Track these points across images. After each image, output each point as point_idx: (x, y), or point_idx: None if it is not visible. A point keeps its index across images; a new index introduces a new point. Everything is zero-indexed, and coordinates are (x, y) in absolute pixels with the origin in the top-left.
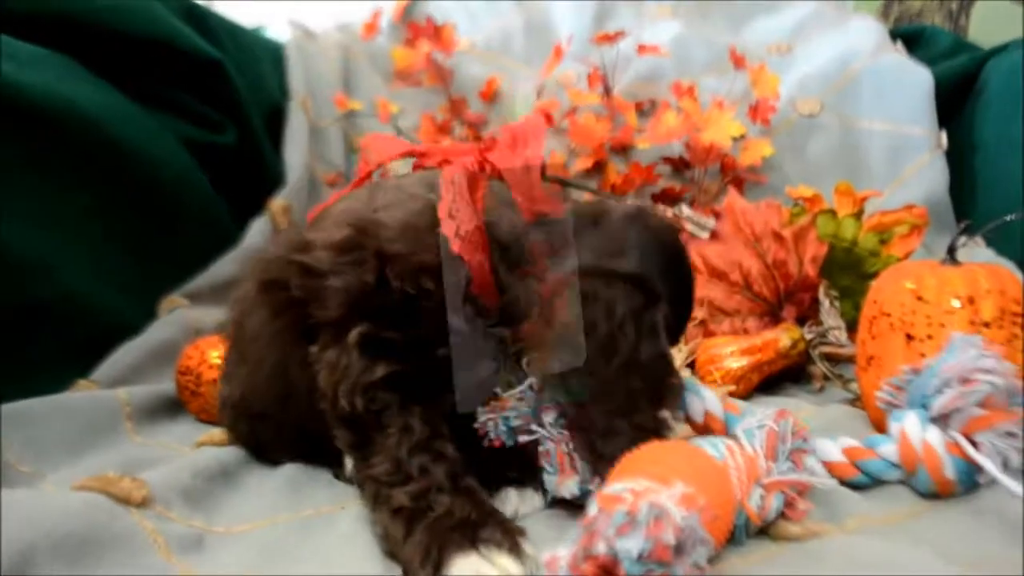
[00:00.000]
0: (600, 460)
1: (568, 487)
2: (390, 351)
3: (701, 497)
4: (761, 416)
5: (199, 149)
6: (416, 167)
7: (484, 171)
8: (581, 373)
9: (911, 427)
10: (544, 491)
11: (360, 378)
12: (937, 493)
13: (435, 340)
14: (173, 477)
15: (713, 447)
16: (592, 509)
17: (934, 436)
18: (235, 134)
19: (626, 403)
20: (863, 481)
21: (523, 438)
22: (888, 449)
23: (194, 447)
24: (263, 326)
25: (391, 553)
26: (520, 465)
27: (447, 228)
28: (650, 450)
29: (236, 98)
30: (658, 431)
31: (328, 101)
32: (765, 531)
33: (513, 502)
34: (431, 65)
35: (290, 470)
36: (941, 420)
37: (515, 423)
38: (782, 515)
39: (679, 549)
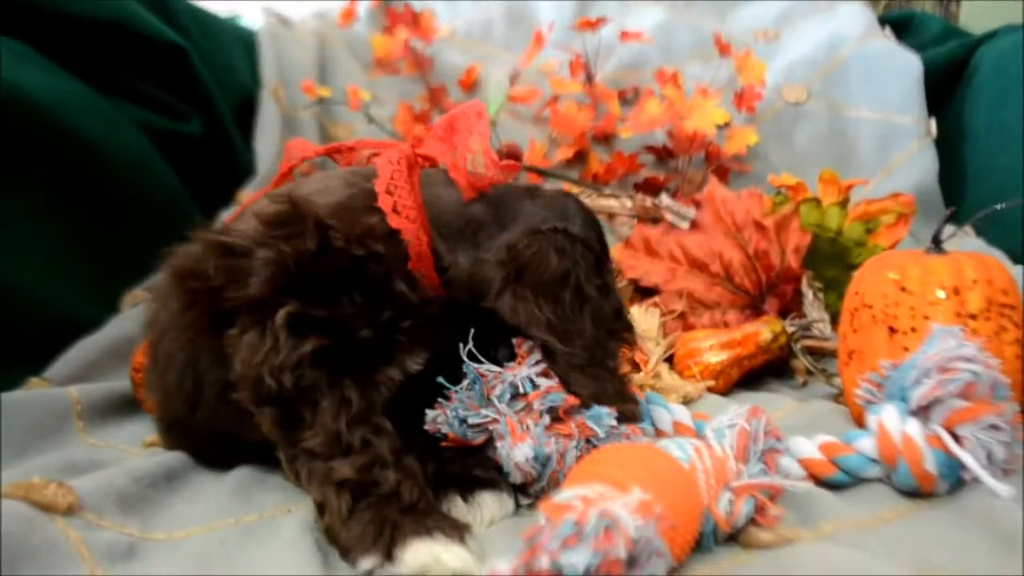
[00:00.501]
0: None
1: (522, 450)
2: (318, 328)
3: (658, 504)
4: (732, 414)
5: (162, 138)
6: (345, 163)
7: (418, 161)
8: (561, 322)
9: (889, 419)
10: (516, 493)
11: (288, 356)
12: (919, 490)
13: (371, 314)
14: (110, 481)
15: (680, 448)
16: (539, 519)
17: (914, 428)
18: (201, 123)
19: (597, 352)
20: (841, 479)
21: (473, 419)
22: (866, 443)
23: (142, 448)
24: (173, 319)
25: (328, 530)
26: (485, 463)
27: (384, 203)
28: (608, 452)
29: (201, 86)
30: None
31: (302, 91)
32: (735, 537)
33: (489, 507)
34: (410, 53)
35: (242, 472)
36: (921, 413)
37: (464, 413)
38: (752, 520)
39: (632, 562)
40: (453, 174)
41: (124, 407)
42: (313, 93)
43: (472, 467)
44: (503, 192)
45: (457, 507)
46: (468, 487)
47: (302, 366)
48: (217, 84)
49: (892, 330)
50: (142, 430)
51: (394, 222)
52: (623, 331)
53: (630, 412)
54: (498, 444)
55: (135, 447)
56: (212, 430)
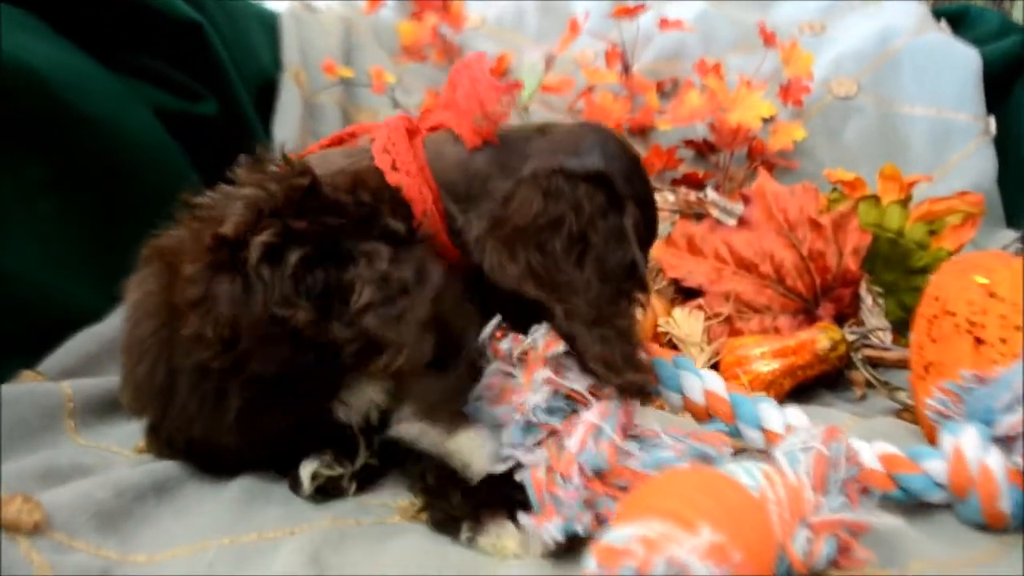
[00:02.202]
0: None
1: (548, 531)
2: (300, 240)
3: (736, 550)
4: (806, 435)
5: (174, 120)
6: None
7: (420, 129)
8: (551, 274)
9: (968, 444)
10: None
11: (277, 290)
12: (984, 526)
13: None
14: (88, 494)
15: (748, 474)
16: (590, 565)
17: (995, 460)
18: (216, 105)
19: (605, 309)
20: (898, 497)
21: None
22: (935, 465)
23: (134, 453)
24: (146, 301)
25: None
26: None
27: (382, 161)
28: (667, 480)
29: (218, 65)
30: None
31: (324, 74)
32: None
33: (514, 539)
34: (438, 40)
35: (245, 482)
36: (1006, 442)
37: None
38: (833, 563)
39: None
40: (455, 126)
41: (121, 406)
42: (335, 73)
43: (511, 488)
44: (510, 136)
45: (508, 533)
46: (516, 513)
47: (298, 279)
48: (235, 65)
49: (979, 341)
50: (138, 431)
51: (392, 179)
52: (634, 290)
53: (639, 384)
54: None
55: (128, 449)
56: (185, 437)
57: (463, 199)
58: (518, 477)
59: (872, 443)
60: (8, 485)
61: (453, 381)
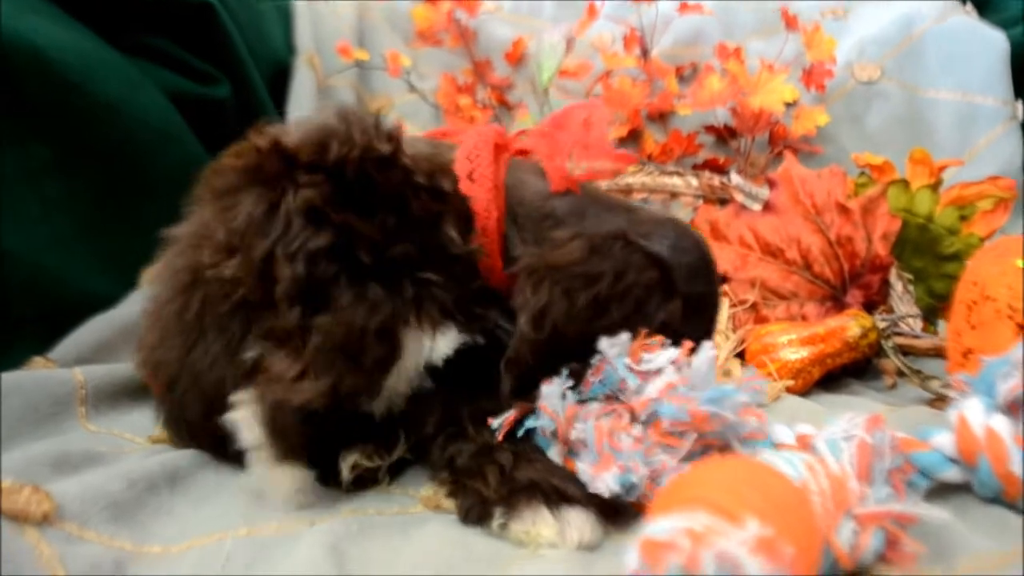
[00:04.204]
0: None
1: (604, 481)
2: (339, 229)
3: (787, 544)
4: (847, 423)
5: (187, 103)
6: None
7: (510, 147)
8: (558, 323)
9: (972, 410)
10: None
11: (301, 245)
12: (1003, 496)
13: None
14: (100, 484)
15: (789, 464)
16: (632, 559)
17: (1000, 423)
18: (229, 88)
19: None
20: (914, 480)
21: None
22: (943, 439)
23: (146, 443)
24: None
25: None
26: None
27: (461, 167)
28: (707, 469)
29: (231, 48)
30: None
31: (338, 58)
32: None
33: (578, 528)
34: (453, 25)
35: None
36: (1011, 411)
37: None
38: (881, 557)
39: None
40: (546, 164)
41: (134, 393)
42: (350, 56)
43: (548, 475)
44: (598, 197)
45: (544, 520)
46: (553, 500)
47: (318, 257)
48: (248, 49)
49: (1021, 327)
50: (151, 419)
51: (465, 188)
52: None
53: None
54: (580, 453)
55: (141, 437)
56: (200, 395)
57: (527, 230)
58: (578, 432)
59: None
60: (18, 472)
61: (314, 429)
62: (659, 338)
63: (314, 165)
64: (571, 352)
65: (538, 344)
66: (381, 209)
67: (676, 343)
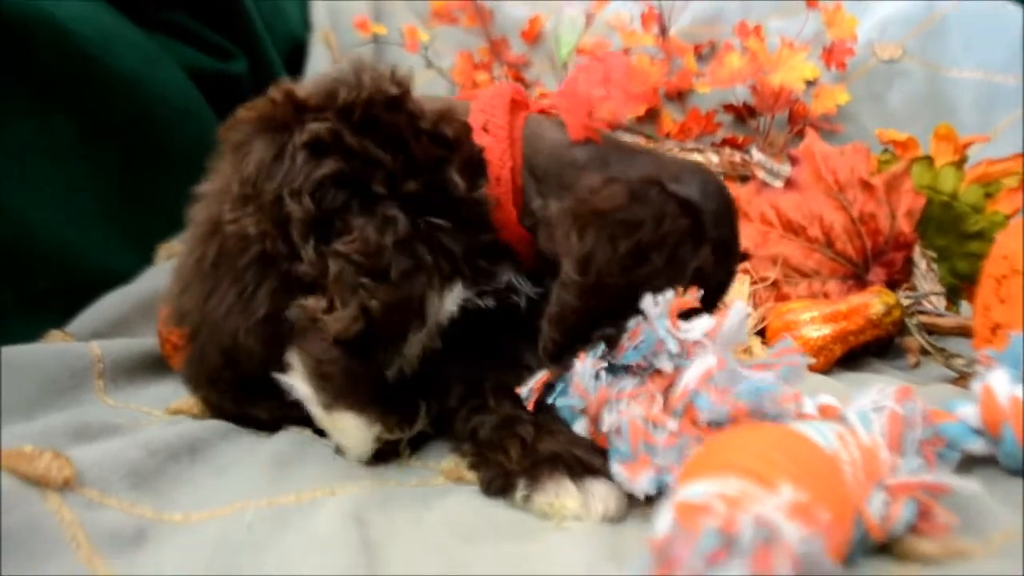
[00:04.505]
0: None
1: (641, 484)
2: (348, 155)
3: (823, 510)
4: (877, 394)
5: (205, 79)
6: None
7: (528, 104)
8: (601, 269)
9: (998, 381)
10: None
11: (305, 181)
12: None
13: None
14: (120, 452)
15: (819, 433)
16: (665, 522)
17: None
18: (246, 63)
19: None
20: (943, 452)
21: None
22: (968, 411)
23: (166, 415)
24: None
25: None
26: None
27: (475, 119)
28: (739, 435)
29: (249, 24)
30: None
31: (354, 35)
32: (887, 548)
33: (603, 499)
34: (470, 3)
35: (281, 443)
36: None
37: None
38: (912, 528)
39: None
40: (566, 116)
41: (151, 367)
42: (367, 30)
43: (570, 446)
44: (619, 144)
45: (568, 492)
46: (576, 472)
47: (324, 187)
48: (265, 25)
49: None
50: (168, 393)
51: (479, 138)
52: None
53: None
54: (614, 440)
55: (159, 410)
56: (217, 345)
57: (546, 183)
58: (608, 424)
59: None
60: (37, 440)
61: (362, 369)
62: (694, 291)
63: (322, 108)
64: (610, 306)
65: (584, 290)
66: (386, 149)
67: (705, 288)
